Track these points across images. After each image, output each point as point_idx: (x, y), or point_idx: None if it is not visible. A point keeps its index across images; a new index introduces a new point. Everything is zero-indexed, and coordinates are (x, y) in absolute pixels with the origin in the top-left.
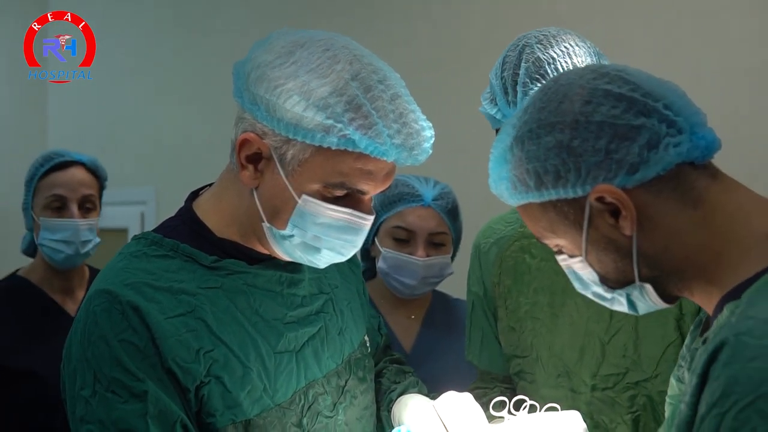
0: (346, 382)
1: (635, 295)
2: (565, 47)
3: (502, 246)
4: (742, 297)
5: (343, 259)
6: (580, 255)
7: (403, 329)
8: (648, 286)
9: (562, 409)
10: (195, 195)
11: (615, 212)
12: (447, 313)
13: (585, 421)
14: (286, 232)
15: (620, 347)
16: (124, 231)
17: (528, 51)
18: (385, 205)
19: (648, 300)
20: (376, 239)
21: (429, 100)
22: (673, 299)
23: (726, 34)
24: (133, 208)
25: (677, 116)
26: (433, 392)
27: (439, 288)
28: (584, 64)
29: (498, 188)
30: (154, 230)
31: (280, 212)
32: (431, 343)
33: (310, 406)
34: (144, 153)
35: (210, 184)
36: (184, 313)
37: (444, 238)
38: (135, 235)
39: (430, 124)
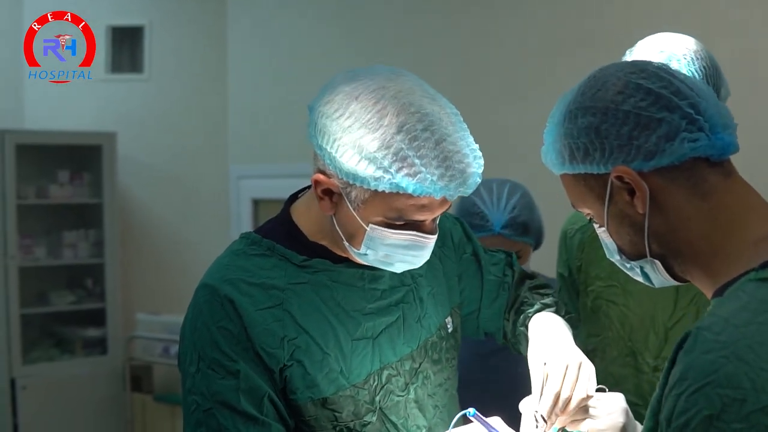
0: (420, 365)
1: (647, 268)
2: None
3: (585, 233)
4: (724, 295)
5: (416, 266)
6: (604, 225)
7: None
8: (657, 262)
9: (626, 387)
10: (294, 198)
11: (631, 191)
12: None
13: (647, 399)
14: (361, 251)
15: (681, 333)
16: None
17: None
18: None
19: (659, 275)
20: None
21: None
22: (682, 279)
23: None
24: (296, 181)
25: (699, 116)
26: (519, 369)
27: (535, 268)
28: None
29: (545, 158)
30: (256, 230)
31: (354, 236)
32: None
33: (383, 386)
34: None
35: (308, 187)
36: (272, 306)
37: (519, 252)
38: (242, 234)
39: (478, 155)
